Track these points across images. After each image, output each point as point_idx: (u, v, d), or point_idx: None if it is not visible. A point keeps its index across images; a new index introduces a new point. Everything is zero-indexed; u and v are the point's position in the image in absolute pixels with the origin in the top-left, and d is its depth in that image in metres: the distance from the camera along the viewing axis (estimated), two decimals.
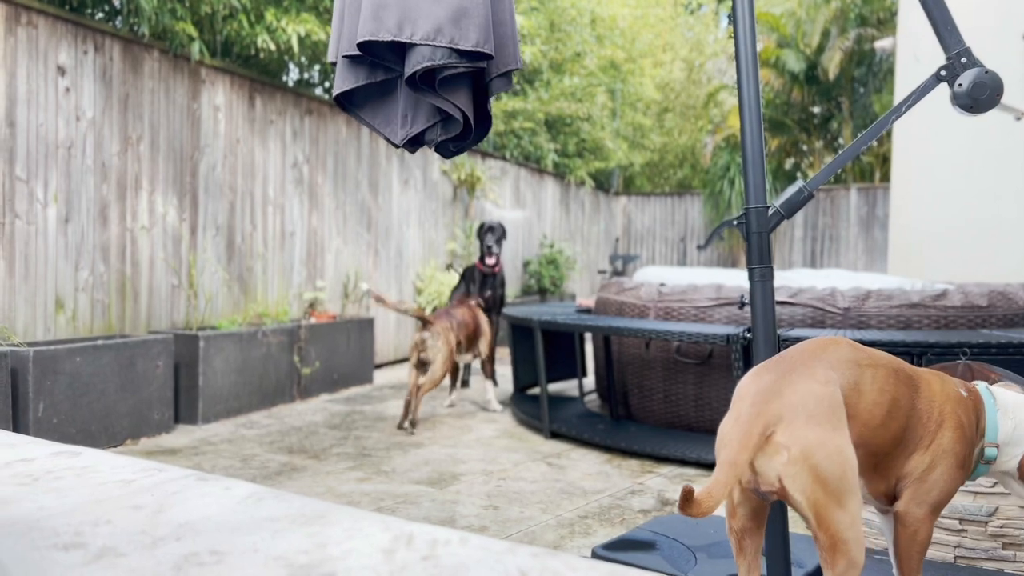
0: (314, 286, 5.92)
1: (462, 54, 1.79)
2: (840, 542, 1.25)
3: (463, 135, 2.00)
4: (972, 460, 1.52)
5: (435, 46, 1.76)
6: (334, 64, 1.96)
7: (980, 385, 1.62)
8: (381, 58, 1.89)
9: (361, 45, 1.82)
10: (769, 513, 1.51)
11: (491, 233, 5.47)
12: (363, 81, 1.93)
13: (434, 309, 7.03)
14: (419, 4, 1.77)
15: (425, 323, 4.32)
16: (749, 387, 1.36)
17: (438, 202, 7.69)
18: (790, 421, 1.26)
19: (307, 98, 5.93)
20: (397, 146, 2.00)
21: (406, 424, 4.23)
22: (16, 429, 3.36)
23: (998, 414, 1.56)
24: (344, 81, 1.93)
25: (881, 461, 1.43)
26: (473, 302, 4.92)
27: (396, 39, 1.77)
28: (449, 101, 1.87)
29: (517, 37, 1.96)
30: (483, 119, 2.04)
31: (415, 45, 1.78)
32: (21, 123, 3.87)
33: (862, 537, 1.27)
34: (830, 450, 1.25)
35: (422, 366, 4.33)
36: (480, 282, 5.44)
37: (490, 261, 5.42)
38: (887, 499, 1.49)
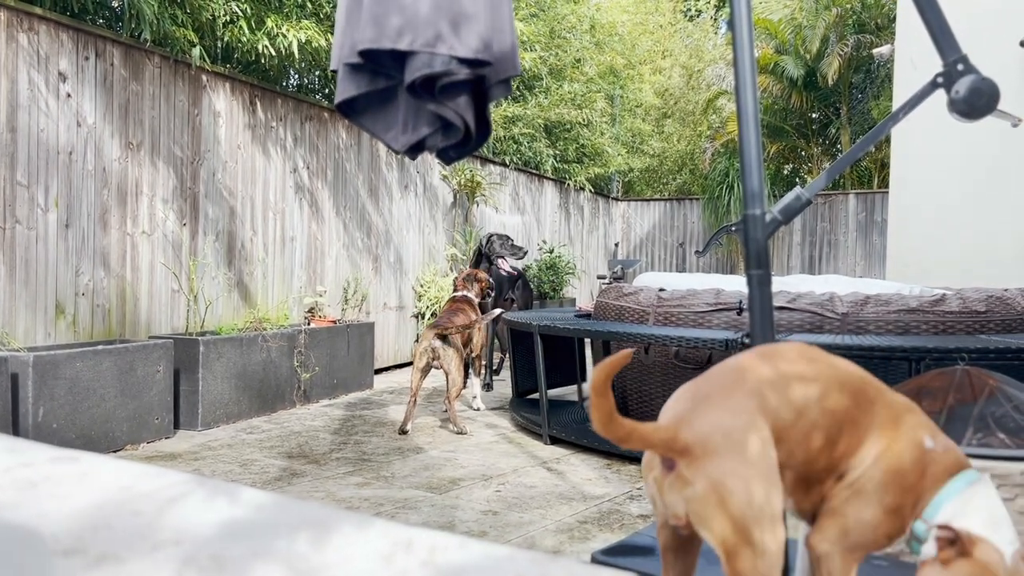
0: (314, 291, 5.92)
1: (461, 61, 1.79)
2: None
3: (463, 141, 2.01)
4: (903, 521, 1.31)
5: (435, 53, 1.77)
6: (335, 72, 1.97)
7: (973, 473, 1.32)
8: (382, 65, 1.90)
9: (362, 53, 1.83)
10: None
11: (509, 239, 6.01)
12: (364, 89, 1.94)
13: (434, 314, 7.03)
14: (419, 12, 1.77)
15: (438, 332, 4.35)
16: (666, 413, 1.28)
17: (438, 207, 7.70)
18: (697, 455, 1.18)
19: (307, 104, 5.94)
20: (398, 152, 2.01)
21: (408, 427, 4.26)
22: (16, 434, 3.36)
23: (958, 498, 1.28)
24: (346, 89, 1.94)
25: (808, 481, 1.30)
26: (468, 303, 4.94)
27: (396, 47, 1.78)
28: (449, 108, 1.87)
29: (516, 44, 1.97)
30: (483, 125, 2.05)
31: (415, 52, 1.79)
32: (22, 129, 3.88)
33: None
34: (736, 486, 1.15)
35: (427, 372, 4.38)
36: (509, 285, 6.11)
37: (507, 266, 5.96)
38: (812, 518, 1.36)
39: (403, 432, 4.24)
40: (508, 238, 6.04)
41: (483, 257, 6.02)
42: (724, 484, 1.15)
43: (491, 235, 6.06)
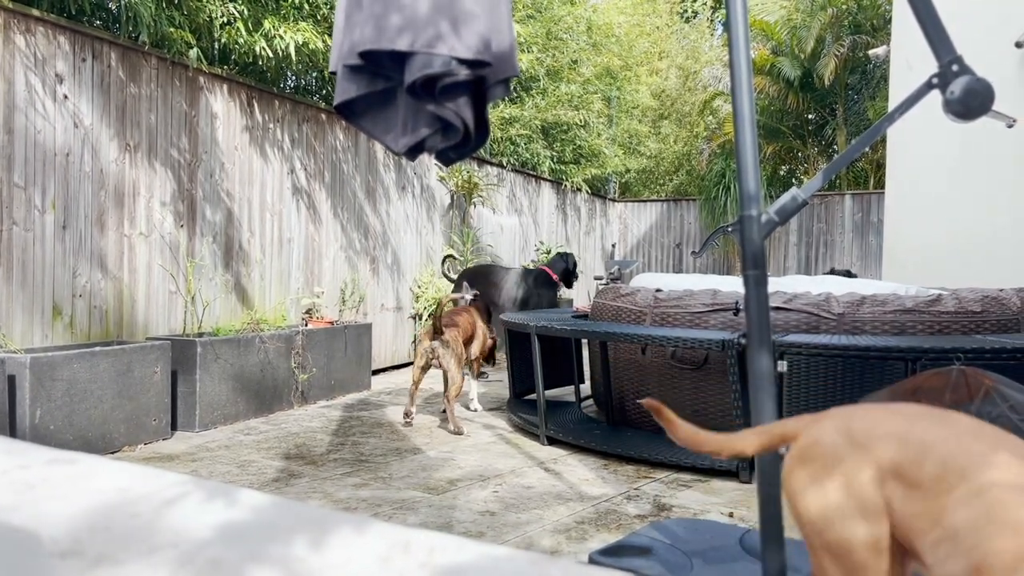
0: (312, 292, 5.92)
1: (461, 62, 1.80)
2: None
3: (463, 142, 2.01)
4: None
5: (434, 54, 1.77)
6: (334, 74, 1.97)
7: None
8: (381, 67, 1.90)
9: (362, 54, 1.83)
10: (767, 514, 1.48)
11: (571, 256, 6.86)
12: (364, 90, 1.94)
13: (431, 315, 7.04)
14: (419, 13, 1.78)
15: (436, 332, 4.39)
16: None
17: (435, 209, 7.70)
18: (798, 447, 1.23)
19: (305, 105, 5.94)
20: (398, 154, 2.01)
21: (412, 410, 4.46)
22: (13, 436, 3.35)
23: None
24: (345, 91, 1.94)
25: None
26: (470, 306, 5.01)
27: (396, 47, 1.78)
28: (449, 108, 1.88)
29: (515, 44, 1.97)
30: (482, 126, 2.05)
31: (415, 53, 1.79)
32: (19, 130, 3.87)
33: None
34: (787, 488, 1.20)
35: (427, 369, 4.47)
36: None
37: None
38: None
39: (407, 416, 4.34)
40: (570, 255, 6.81)
41: (568, 268, 6.71)
42: (786, 481, 1.20)
43: (567, 253, 6.78)
